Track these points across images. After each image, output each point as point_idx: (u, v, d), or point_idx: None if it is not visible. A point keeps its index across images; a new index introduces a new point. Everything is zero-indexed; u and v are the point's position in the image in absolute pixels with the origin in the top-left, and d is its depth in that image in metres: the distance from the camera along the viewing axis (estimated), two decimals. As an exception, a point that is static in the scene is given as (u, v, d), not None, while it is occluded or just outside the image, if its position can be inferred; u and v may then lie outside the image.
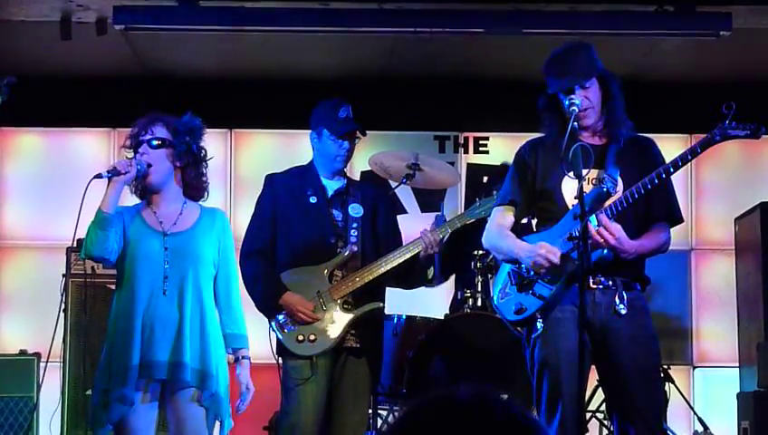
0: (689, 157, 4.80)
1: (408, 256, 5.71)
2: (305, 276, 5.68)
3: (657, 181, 4.73)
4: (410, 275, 5.86)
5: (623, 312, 4.79)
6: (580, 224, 4.57)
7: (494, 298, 5.07)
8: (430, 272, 5.91)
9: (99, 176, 4.93)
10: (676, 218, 5.05)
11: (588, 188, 4.77)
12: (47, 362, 5.84)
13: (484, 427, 1.83)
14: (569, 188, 4.85)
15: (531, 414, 1.88)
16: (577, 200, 4.73)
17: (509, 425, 1.85)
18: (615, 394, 4.91)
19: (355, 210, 5.80)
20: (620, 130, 4.93)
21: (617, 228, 4.73)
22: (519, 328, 5.04)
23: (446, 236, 5.85)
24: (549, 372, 4.80)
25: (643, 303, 4.92)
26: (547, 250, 4.77)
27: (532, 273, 4.85)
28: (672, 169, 4.76)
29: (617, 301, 4.79)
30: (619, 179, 4.86)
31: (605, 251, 4.72)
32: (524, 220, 5.13)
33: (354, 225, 5.78)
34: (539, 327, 4.83)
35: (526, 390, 5.97)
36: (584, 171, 4.60)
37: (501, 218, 5.08)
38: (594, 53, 4.93)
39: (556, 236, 4.83)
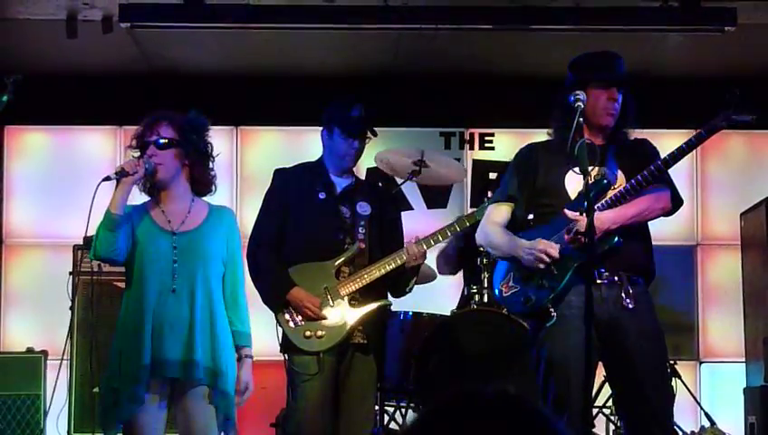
0: (694, 142, 4.80)
1: (400, 262, 5.70)
2: (313, 272, 5.68)
3: (663, 167, 4.74)
4: (395, 283, 5.86)
5: (630, 306, 4.79)
6: (580, 210, 4.60)
7: (497, 292, 5.06)
8: (411, 283, 5.90)
9: (107, 178, 4.93)
10: (677, 196, 5.04)
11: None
12: (61, 359, 5.84)
13: (508, 426, 1.84)
14: (572, 184, 4.87)
15: (554, 415, 1.88)
16: (578, 193, 4.76)
17: (533, 425, 1.85)
18: (625, 391, 4.89)
19: (363, 208, 5.80)
20: (623, 135, 4.99)
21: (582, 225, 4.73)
22: (529, 320, 5.03)
23: (434, 246, 5.85)
24: (557, 370, 4.79)
25: (648, 298, 4.92)
26: (545, 245, 4.78)
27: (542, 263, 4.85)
28: (678, 154, 4.76)
29: (623, 295, 4.79)
30: (620, 172, 4.88)
31: (615, 239, 4.72)
32: (530, 216, 5.12)
33: (362, 222, 5.78)
34: (553, 317, 4.82)
35: (532, 385, 5.99)
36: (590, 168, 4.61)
37: (496, 215, 5.07)
38: None
39: (555, 231, 4.83)
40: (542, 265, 4.79)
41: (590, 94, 4.89)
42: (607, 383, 5.45)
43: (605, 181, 4.79)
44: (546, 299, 4.83)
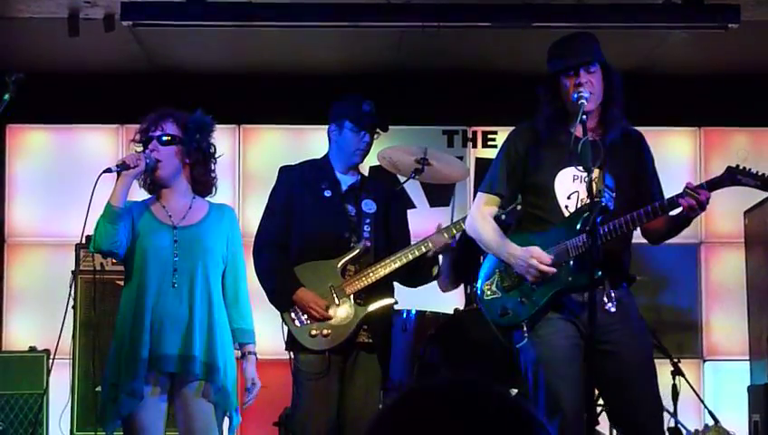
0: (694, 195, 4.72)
1: (418, 253, 5.71)
2: (318, 270, 5.68)
3: (660, 213, 4.67)
4: (418, 273, 5.86)
5: (613, 310, 4.75)
6: (574, 232, 4.54)
7: (480, 290, 5.01)
8: (435, 269, 5.91)
9: (108, 170, 4.94)
10: None
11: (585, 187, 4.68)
12: (54, 358, 5.83)
13: (463, 412, 1.84)
14: (561, 186, 4.81)
15: (510, 396, 1.88)
16: (569, 201, 4.73)
17: (489, 408, 1.85)
18: (614, 392, 4.84)
19: (368, 206, 5.80)
20: (616, 126, 4.88)
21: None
22: (501, 334, 4.98)
23: (457, 235, 5.87)
24: (545, 369, 4.75)
25: (631, 299, 4.89)
26: (537, 259, 4.72)
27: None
28: (675, 202, 4.66)
29: (605, 300, 4.75)
30: (615, 184, 4.82)
31: (599, 273, 4.67)
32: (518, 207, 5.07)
33: (367, 220, 5.78)
34: (524, 338, 4.81)
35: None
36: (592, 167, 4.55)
37: (486, 207, 5.01)
38: (599, 44, 4.92)
39: (549, 244, 4.78)
40: (531, 279, 4.76)
41: (561, 85, 4.83)
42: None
43: (603, 204, 4.72)
44: (523, 317, 4.81)
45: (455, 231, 5.82)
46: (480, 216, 5.03)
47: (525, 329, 4.80)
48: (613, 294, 4.76)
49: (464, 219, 5.87)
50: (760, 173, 4.67)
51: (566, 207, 4.79)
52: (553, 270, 4.71)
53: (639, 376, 4.79)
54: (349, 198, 5.81)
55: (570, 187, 4.74)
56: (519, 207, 5.11)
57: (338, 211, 5.75)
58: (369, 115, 5.80)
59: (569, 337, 4.70)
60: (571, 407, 4.66)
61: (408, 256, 5.70)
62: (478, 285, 5.06)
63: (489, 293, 4.96)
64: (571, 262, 4.68)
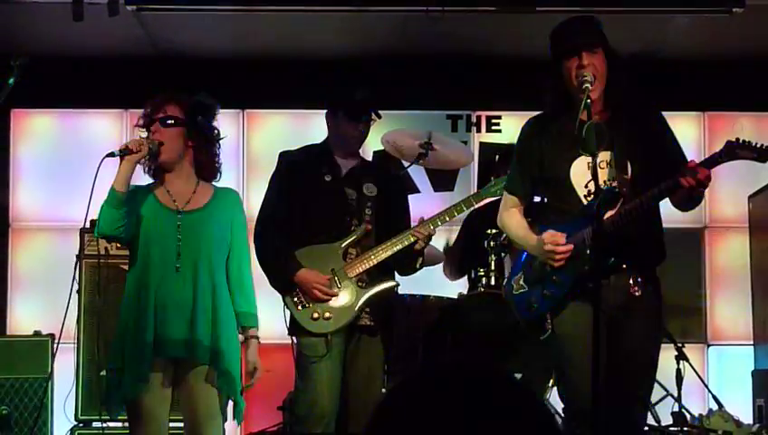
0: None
1: (398, 247, 5.71)
2: (320, 254, 5.67)
3: (666, 194, 4.65)
4: (405, 263, 5.86)
5: (638, 294, 4.75)
6: (592, 221, 4.53)
7: (510, 286, 5.03)
8: (419, 261, 5.90)
9: (111, 154, 4.93)
10: None
11: (601, 173, 4.68)
12: (59, 342, 5.84)
13: (463, 394, 1.85)
14: (577, 176, 4.79)
15: (513, 379, 1.90)
16: (587, 190, 4.71)
17: (490, 387, 1.86)
18: (612, 367, 4.84)
19: (369, 189, 5.80)
20: (622, 107, 4.84)
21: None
22: (528, 328, 4.99)
23: (440, 226, 5.85)
24: (566, 366, 4.79)
25: (657, 284, 4.88)
26: (552, 243, 4.74)
27: (547, 267, 4.83)
28: (677, 182, 4.63)
29: (631, 283, 4.76)
30: (629, 166, 4.80)
31: (611, 260, 4.66)
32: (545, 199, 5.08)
33: (368, 204, 5.78)
34: (548, 330, 4.82)
35: (539, 368, 5.96)
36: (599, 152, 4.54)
37: (509, 204, 5.07)
38: (601, 26, 4.88)
39: (569, 234, 4.77)
40: (555, 264, 4.77)
41: (564, 69, 4.79)
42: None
43: (616, 190, 4.71)
44: (546, 309, 4.83)
45: (439, 223, 5.80)
46: (506, 214, 5.09)
47: (549, 320, 4.81)
48: (639, 278, 4.77)
49: (448, 211, 5.87)
50: (759, 145, 4.65)
51: (585, 196, 4.78)
52: (570, 247, 4.70)
53: (636, 366, 4.80)
54: (349, 181, 5.81)
55: (586, 176, 4.72)
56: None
57: (338, 195, 5.75)
58: (363, 104, 5.79)
59: (589, 325, 4.65)
60: (587, 400, 4.64)
61: (403, 241, 5.69)
62: (510, 279, 5.08)
63: (517, 287, 4.97)
64: (588, 250, 4.67)
